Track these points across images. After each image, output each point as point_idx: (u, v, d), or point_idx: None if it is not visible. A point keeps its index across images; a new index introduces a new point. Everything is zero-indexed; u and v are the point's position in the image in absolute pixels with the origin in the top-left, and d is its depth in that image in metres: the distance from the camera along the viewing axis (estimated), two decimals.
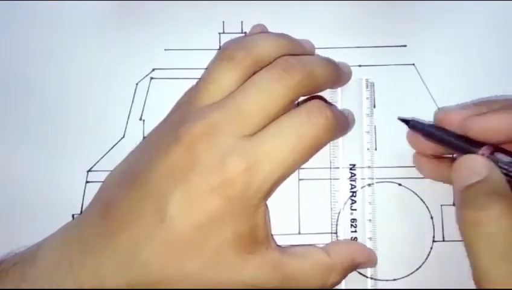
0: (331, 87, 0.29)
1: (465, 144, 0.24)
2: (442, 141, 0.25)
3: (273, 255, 0.24)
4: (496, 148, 0.23)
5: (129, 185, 0.24)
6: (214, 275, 0.23)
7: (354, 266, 0.27)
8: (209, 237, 0.23)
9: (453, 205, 0.29)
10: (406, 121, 0.27)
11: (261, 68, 0.25)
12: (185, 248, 0.23)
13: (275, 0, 0.31)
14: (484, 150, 0.23)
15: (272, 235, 0.26)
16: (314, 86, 0.26)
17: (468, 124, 0.24)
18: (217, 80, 0.25)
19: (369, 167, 0.29)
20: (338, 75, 0.28)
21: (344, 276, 0.26)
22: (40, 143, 0.30)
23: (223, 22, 0.31)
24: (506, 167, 0.23)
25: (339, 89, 0.30)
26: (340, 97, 0.30)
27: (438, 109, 0.29)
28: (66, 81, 0.31)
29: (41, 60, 0.31)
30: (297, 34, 0.30)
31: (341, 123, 0.27)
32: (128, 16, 0.31)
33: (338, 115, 0.26)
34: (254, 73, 0.25)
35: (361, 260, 0.27)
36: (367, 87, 0.30)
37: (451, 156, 0.28)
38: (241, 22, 0.31)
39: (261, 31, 0.30)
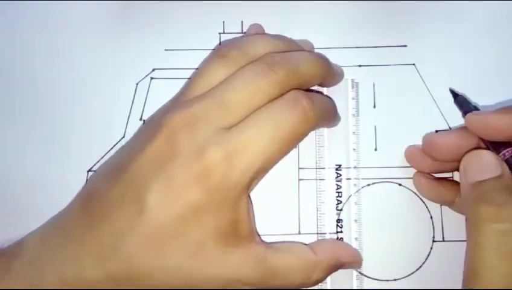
0: (322, 85, 0.29)
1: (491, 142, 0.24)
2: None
3: (256, 250, 0.24)
4: None
5: (111, 176, 0.24)
6: (196, 267, 0.23)
7: (338, 265, 0.26)
8: (189, 229, 0.23)
9: None
10: (454, 94, 0.27)
11: None
12: (165, 240, 0.23)
13: (275, 0, 0.31)
14: (509, 151, 0.24)
15: (256, 229, 0.26)
16: (299, 81, 0.25)
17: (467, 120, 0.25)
18: (207, 75, 0.25)
19: (354, 167, 0.29)
20: (327, 72, 0.28)
21: (328, 274, 0.26)
22: (40, 143, 0.30)
23: (223, 22, 0.31)
24: None
25: (325, 89, 0.30)
26: None
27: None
28: (66, 81, 0.31)
29: (42, 60, 0.31)
30: (297, 34, 0.30)
31: (323, 112, 0.27)
32: (129, 16, 0.31)
33: (319, 104, 0.25)
34: None
35: (346, 260, 0.27)
36: (352, 87, 0.30)
37: (450, 175, 0.29)
38: (241, 22, 0.31)
39: (257, 31, 0.30)
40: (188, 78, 0.27)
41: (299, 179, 0.29)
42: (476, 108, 0.26)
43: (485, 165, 0.23)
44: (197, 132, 0.23)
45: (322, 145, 0.30)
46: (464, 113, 0.25)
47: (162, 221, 0.23)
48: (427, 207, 0.29)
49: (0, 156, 0.30)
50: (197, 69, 0.27)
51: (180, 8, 0.31)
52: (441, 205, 0.29)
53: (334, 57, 0.30)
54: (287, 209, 0.29)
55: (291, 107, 0.24)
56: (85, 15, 0.31)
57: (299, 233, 0.29)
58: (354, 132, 0.30)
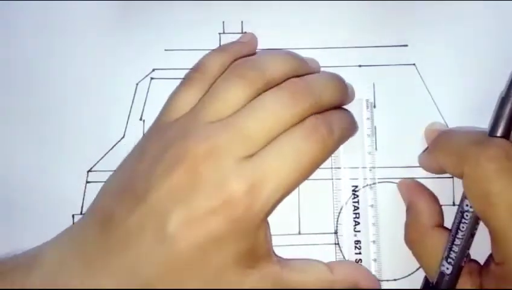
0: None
1: None
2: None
3: (273, 269, 0.25)
4: None
5: (130, 202, 0.24)
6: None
7: (354, 288, 0.27)
8: (210, 258, 0.23)
9: (453, 205, 0.29)
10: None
11: (269, 88, 0.25)
12: (185, 268, 0.23)
13: (275, 0, 0.31)
14: None
15: (273, 249, 0.26)
16: (320, 109, 0.26)
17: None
18: (224, 96, 0.25)
19: (354, 167, 0.29)
20: (345, 95, 0.28)
21: None
22: (41, 143, 0.30)
23: (223, 22, 0.31)
24: None
25: None
26: None
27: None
28: (66, 81, 0.31)
29: (42, 60, 0.31)
30: (297, 34, 0.30)
31: (343, 132, 0.27)
32: (129, 17, 0.31)
33: (337, 127, 0.26)
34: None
35: (364, 285, 0.27)
36: (367, 107, 0.30)
37: None
38: (241, 22, 0.31)
39: (251, 39, 0.30)
40: (204, 95, 0.26)
41: None
42: None
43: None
44: (219, 163, 0.23)
45: (337, 167, 0.30)
46: None
47: (182, 250, 0.23)
48: None
49: (0, 155, 0.30)
50: (211, 88, 0.26)
51: (180, 8, 0.31)
52: (440, 205, 0.29)
53: (334, 57, 0.30)
54: (287, 209, 0.29)
55: (311, 136, 0.24)
56: (85, 15, 0.31)
57: (299, 233, 0.29)
58: (369, 152, 0.30)
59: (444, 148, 0.26)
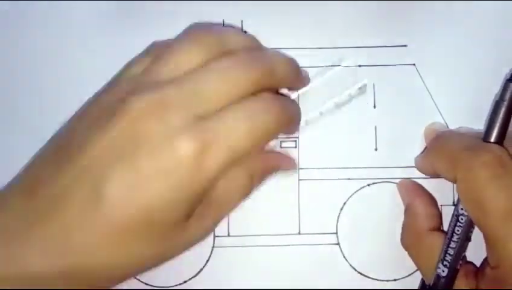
0: (289, 87, 0.29)
1: None
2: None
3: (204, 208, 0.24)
4: None
5: (61, 161, 0.22)
6: (160, 253, 0.23)
7: (269, 174, 0.27)
8: (154, 218, 0.21)
9: (453, 205, 0.29)
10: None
11: None
12: (126, 230, 0.21)
13: (275, 0, 0.31)
14: None
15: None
16: (273, 81, 0.25)
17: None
18: (178, 57, 0.24)
19: (354, 167, 0.29)
20: (298, 75, 0.28)
21: (262, 181, 0.27)
22: (41, 143, 0.30)
23: (223, 21, 0.31)
24: None
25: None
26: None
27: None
28: (65, 81, 0.31)
29: (41, 60, 0.31)
30: (297, 34, 0.30)
31: (292, 117, 0.26)
32: (128, 17, 0.31)
33: (289, 108, 0.26)
34: None
35: (278, 167, 0.28)
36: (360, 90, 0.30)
37: None
38: (241, 21, 0.31)
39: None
40: (156, 55, 0.25)
41: (299, 179, 0.29)
42: None
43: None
44: (168, 119, 0.21)
45: (321, 146, 0.30)
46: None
47: (123, 214, 0.21)
48: None
49: (1, 157, 0.30)
50: (166, 45, 0.25)
51: (180, 8, 0.31)
52: (441, 205, 0.29)
53: (334, 57, 0.30)
54: (287, 209, 0.29)
55: (266, 108, 0.24)
56: (85, 15, 0.31)
57: (299, 233, 0.29)
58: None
59: (438, 152, 0.26)
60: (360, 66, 0.31)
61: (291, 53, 0.30)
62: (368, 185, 0.29)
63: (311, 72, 0.30)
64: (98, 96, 0.25)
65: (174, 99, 0.22)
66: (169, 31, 0.31)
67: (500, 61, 0.30)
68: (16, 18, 0.31)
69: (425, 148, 0.29)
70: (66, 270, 0.21)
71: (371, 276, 0.28)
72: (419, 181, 0.29)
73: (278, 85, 0.26)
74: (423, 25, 0.31)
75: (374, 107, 0.30)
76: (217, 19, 0.31)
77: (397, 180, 0.29)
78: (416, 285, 0.28)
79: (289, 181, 0.29)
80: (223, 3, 0.31)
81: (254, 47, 0.26)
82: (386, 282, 0.28)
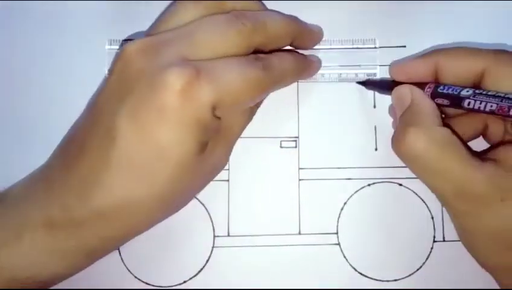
0: (296, 46, 0.29)
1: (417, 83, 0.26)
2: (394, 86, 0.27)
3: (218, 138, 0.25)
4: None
5: (82, 116, 0.25)
6: (183, 185, 0.24)
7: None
8: (166, 152, 0.22)
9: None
10: (363, 83, 0.29)
11: None
12: (144, 167, 0.22)
13: (275, 1, 0.31)
14: (429, 85, 0.26)
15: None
16: (266, 37, 0.25)
17: (392, 68, 0.28)
18: (178, 14, 0.25)
19: (354, 167, 0.29)
20: (295, 31, 0.28)
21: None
22: (41, 143, 0.30)
23: None
24: (448, 92, 0.25)
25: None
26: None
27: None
28: (65, 81, 0.31)
29: (41, 60, 0.31)
30: None
31: (285, 72, 0.27)
32: (128, 17, 0.31)
33: (279, 65, 0.26)
34: None
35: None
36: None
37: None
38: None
39: None
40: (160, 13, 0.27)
41: (299, 179, 0.29)
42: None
43: (399, 97, 0.26)
44: (159, 56, 0.23)
45: (320, 145, 0.30)
46: (384, 86, 0.28)
47: (135, 147, 0.22)
48: (427, 207, 0.29)
49: (0, 156, 0.30)
50: (167, 8, 0.26)
51: None
52: (442, 205, 0.29)
53: (333, 57, 0.30)
54: (287, 209, 0.29)
55: (251, 64, 0.24)
56: (84, 15, 0.31)
57: (299, 233, 0.29)
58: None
59: (452, 51, 0.26)
60: (360, 66, 0.31)
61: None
62: (368, 185, 0.29)
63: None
64: None
65: (167, 41, 0.23)
66: None
67: None
68: (16, 18, 0.31)
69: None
70: (98, 208, 0.23)
71: (371, 276, 0.28)
72: (419, 181, 0.29)
73: (273, 42, 0.26)
74: (423, 25, 0.31)
75: (374, 107, 0.30)
76: None
77: (397, 180, 0.29)
78: (417, 285, 0.28)
79: (289, 181, 0.29)
80: None
81: (253, 8, 0.27)
82: (386, 282, 0.28)
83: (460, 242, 0.28)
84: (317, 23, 0.31)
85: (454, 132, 0.24)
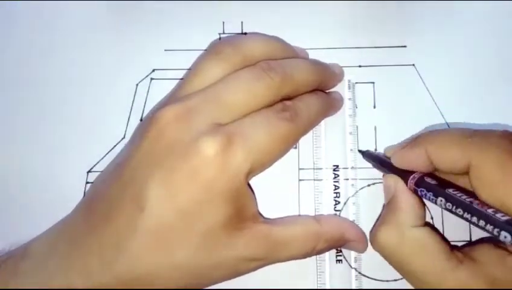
0: (320, 88, 0.29)
1: (401, 172, 0.26)
2: (386, 167, 0.27)
3: (261, 227, 0.24)
4: (427, 174, 0.25)
5: (111, 178, 0.24)
6: (204, 257, 0.23)
7: (342, 241, 0.27)
8: (194, 223, 0.23)
9: None
10: (362, 152, 0.29)
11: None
12: (169, 236, 0.22)
13: (275, 1, 0.31)
14: (414, 175, 0.25)
15: (258, 211, 0.26)
16: (293, 87, 0.26)
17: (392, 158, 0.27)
18: (201, 72, 0.26)
19: (353, 167, 0.29)
20: (322, 77, 0.28)
21: (331, 247, 0.27)
22: (40, 143, 0.30)
23: (223, 22, 0.31)
24: (429, 190, 0.25)
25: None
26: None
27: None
28: (66, 81, 0.31)
29: (42, 60, 0.31)
30: (297, 34, 0.30)
31: (312, 116, 0.27)
32: (128, 17, 0.31)
33: (305, 111, 0.26)
34: None
35: (350, 237, 0.27)
36: (349, 88, 0.30)
37: None
38: (241, 22, 0.31)
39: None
40: (183, 77, 0.27)
41: (299, 180, 0.29)
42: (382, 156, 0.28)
43: (386, 187, 0.27)
44: (191, 124, 0.23)
45: (319, 146, 0.30)
46: (378, 162, 0.28)
47: (164, 217, 0.22)
48: (427, 208, 0.29)
49: (0, 156, 0.30)
50: (191, 66, 0.27)
51: (180, 8, 0.31)
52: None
53: (334, 57, 0.31)
54: (287, 209, 0.29)
55: (280, 114, 0.25)
56: (85, 15, 0.31)
57: None
58: (350, 133, 0.30)
59: (439, 141, 0.25)
60: (360, 66, 0.31)
61: None
62: (368, 185, 0.29)
63: None
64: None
65: (197, 108, 0.24)
66: (170, 31, 0.31)
67: (499, 61, 0.30)
68: (16, 18, 0.31)
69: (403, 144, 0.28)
70: (121, 275, 0.22)
71: (371, 276, 0.28)
72: None
73: (300, 90, 0.27)
74: (423, 25, 0.31)
75: (374, 107, 0.30)
76: (217, 19, 0.31)
77: None
78: None
79: (289, 181, 0.29)
80: (223, 3, 0.31)
81: (277, 55, 0.27)
82: (386, 282, 0.28)
83: (459, 242, 0.28)
84: (318, 23, 0.31)
85: (433, 228, 0.24)
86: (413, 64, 0.31)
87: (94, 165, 0.30)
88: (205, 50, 0.27)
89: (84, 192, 0.29)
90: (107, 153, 0.30)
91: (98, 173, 0.29)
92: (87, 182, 0.30)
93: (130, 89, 0.31)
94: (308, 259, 0.28)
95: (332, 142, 0.30)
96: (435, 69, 0.30)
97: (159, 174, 0.22)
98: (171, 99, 0.26)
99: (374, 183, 0.29)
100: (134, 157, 0.24)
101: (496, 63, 0.30)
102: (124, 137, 0.30)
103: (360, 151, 0.29)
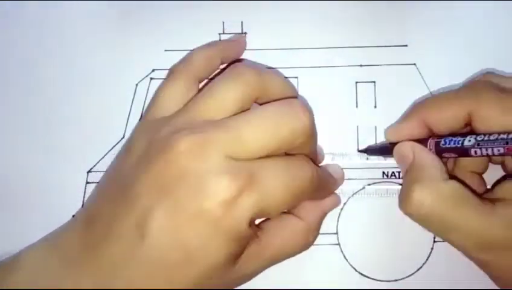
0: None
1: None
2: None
3: (253, 247, 0.24)
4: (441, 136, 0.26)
5: (114, 197, 0.23)
6: (204, 287, 0.23)
7: (324, 216, 0.28)
8: (195, 259, 0.22)
9: None
10: (364, 151, 0.29)
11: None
12: (169, 270, 0.22)
13: (275, 0, 0.31)
14: (430, 140, 0.26)
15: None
16: (264, 88, 0.25)
17: (387, 133, 0.28)
18: (221, 96, 0.24)
19: (352, 167, 0.29)
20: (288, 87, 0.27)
21: (319, 228, 0.27)
22: (41, 144, 0.30)
23: (223, 22, 0.31)
24: (451, 145, 0.25)
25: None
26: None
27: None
28: (66, 81, 0.31)
29: (42, 60, 0.31)
30: (297, 34, 0.30)
31: (324, 183, 0.27)
32: (128, 17, 0.31)
33: (323, 176, 0.26)
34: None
35: (328, 208, 0.28)
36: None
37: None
38: (241, 22, 0.31)
39: (240, 38, 0.31)
40: (199, 92, 0.26)
41: None
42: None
43: (401, 154, 0.27)
44: (207, 159, 0.21)
45: (319, 146, 0.30)
46: (384, 150, 0.28)
47: (165, 250, 0.21)
48: None
49: (0, 156, 0.30)
50: (208, 83, 0.25)
51: (180, 8, 0.31)
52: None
53: (334, 57, 0.30)
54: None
55: (305, 167, 0.24)
56: (85, 15, 0.31)
57: None
58: (351, 132, 0.30)
59: (435, 104, 0.26)
60: (361, 65, 0.31)
61: (291, 53, 0.30)
62: (368, 185, 0.29)
63: (309, 73, 0.30)
64: (139, 131, 0.26)
65: (215, 141, 0.22)
66: (170, 31, 0.31)
67: (499, 60, 0.30)
68: (16, 18, 0.31)
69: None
70: None
71: (371, 276, 0.28)
72: None
73: (272, 94, 0.25)
74: (423, 25, 0.31)
75: (374, 107, 0.30)
76: (217, 19, 0.31)
77: (397, 180, 0.29)
78: (417, 286, 0.28)
79: None
80: (223, 3, 0.31)
81: (291, 93, 0.26)
82: (386, 282, 0.28)
83: None
84: (318, 23, 0.31)
85: (460, 181, 0.24)
86: (415, 64, 0.31)
87: (94, 165, 0.30)
88: (226, 70, 0.25)
89: (84, 192, 0.29)
90: (107, 153, 0.30)
91: (98, 173, 0.29)
92: (87, 182, 0.30)
93: (130, 89, 0.31)
94: (308, 259, 0.28)
95: (333, 142, 0.30)
96: (435, 69, 0.30)
97: (165, 205, 0.21)
98: (185, 123, 0.23)
99: (374, 183, 0.29)
100: (141, 182, 0.22)
101: (496, 62, 0.30)
102: (123, 137, 0.30)
103: (361, 151, 0.29)
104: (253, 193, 0.22)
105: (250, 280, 0.26)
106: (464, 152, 0.24)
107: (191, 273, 0.22)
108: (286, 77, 0.30)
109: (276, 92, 0.25)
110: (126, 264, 0.22)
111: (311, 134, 0.24)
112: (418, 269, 0.28)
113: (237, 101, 0.24)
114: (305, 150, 0.24)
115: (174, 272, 0.22)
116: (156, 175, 0.22)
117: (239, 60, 0.30)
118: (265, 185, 0.22)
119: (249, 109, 0.24)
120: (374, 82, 0.30)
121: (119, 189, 0.23)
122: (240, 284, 0.25)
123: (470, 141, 0.24)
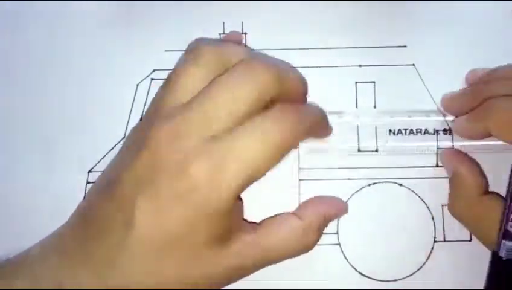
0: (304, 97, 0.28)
1: None
2: None
3: (247, 237, 0.25)
4: None
5: (104, 193, 0.24)
6: (195, 272, 0.23)
7: (327, 221, 0.28)
8: (182, 241, 0.23)
9: None
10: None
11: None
12: (157, 255, 0.23)
13: (275, 0, 0.31)
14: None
15: (244, 219, 0.26)
16: (282, 90, 0.24)
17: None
18: (183, 82, 0.24)
19: (352, 167, 0.29)
20: (306, 88, 0.27)
21: (320, 233, 0.27)
22: (41, 144, 0.30)
23: (223, 22, 0.31)
24: None
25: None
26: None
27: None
28: (66, 81, 0.31)
29: (42, 60, 0.31)
30: (297, 34, 0.30)
31: (313, 123, 0.26)
32: (129, 17, 0.31)
33: (307, 116, 0.25)
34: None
35: (332, 213, 0.28)
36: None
37: None
38: (241, 22, 0.31)
39: (236, 39, 0.30)
40: (163, 83, 0.26)
41: (300, 180, 0.29)
42: None
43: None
44: (182, 145, 0.23)
45: (319, 146, 0.30)
46: None
47: (152, 238, 0.23)
48: (428, 207, 0.29)
49: (0, 156, 0.30)
50: (172, 70, 0.26)
51: (181, 8, 0.31)
52: (442, 206, 0.29)
53: (334, 57, 0.31)
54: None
55: (278, 120, 0.23)
56: (85, 15, 0.31)
57: None
58: (351, 132, 0.30)
59: (501, 120, 0.26)
60: (360, 66, 0.31)
61: (292, 53, 0.30)
62: (368, 185, 0.29)
63: (309, 73, 0.30)
64: (132, 129, 0.28)
65: (185, 125, 0.23)
66: (170, 31, 0.31)
67: (499, 61, 0.30)
68: (16, 19, 0.31)
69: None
70: (112, 288, 0.23)
71: (371, 276, 0.28)
72: (419, 181, 0.29)
73: (288, 93, 0.25)
74: (423, 25, 0.31)
75: (374, 107, 0.30)
76: (217, 20, 0.31)
77: (397, 180, 0.29)
78: (418, 286, 0.28)
79: (289, 181, 0.29)
80: (223, 3, 0.31)
81: (254, 57, 0.25)
82: (386, 282, 0.28)
83: (460, 242, 0.28)
84: (318, 23, 0.31)
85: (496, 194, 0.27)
86: (413, 64, 0.31)
87: (94, 165, 0.30)
88: (184, 52, 0.26)
89: (85, 192, 0.29)
90: (107, 153, 0.30)
91: (98, 173, 0.29)
92: (87, 182, 0.30)
93: (130, 89, 0.31)
94: (308, 259, 0.28)
95: (336, 142, 0.30)
96: (434, 69, 0.30)
97: (147, 193, 0.23)
98: (157, 115, 0.24)
99: (374, 183, 0.29)
100: (125, 177, 0.23)
101: (496, 62, 0.30)
102: (123, 137, 0.30)
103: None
104: (233, 164, 0.22)
105: (248, 274, 0.26)
106: None
107: (180, 253, 0.23)
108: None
109: (292, 93, 0.25)
110: (118, 254, 0.23)
111: (278, 85, 0.24)
112: (418, 269, 0.28)
113: (200, 83, 0.24)
114: (288, 99, 0.25)
115: (164, 254, 0.23)
116: (138, 169, 0.23)
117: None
118: (243, 150, 0.22)
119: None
120: (374, 82, 0.31)
121: (106, 184, 0.25)
122: (238, 276, 0.25)
123: None
